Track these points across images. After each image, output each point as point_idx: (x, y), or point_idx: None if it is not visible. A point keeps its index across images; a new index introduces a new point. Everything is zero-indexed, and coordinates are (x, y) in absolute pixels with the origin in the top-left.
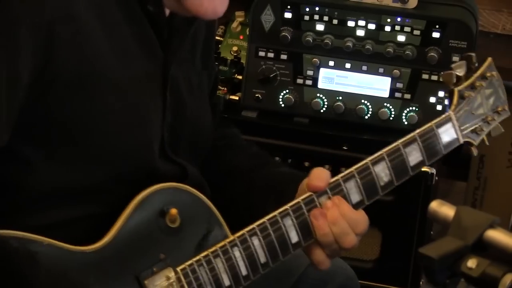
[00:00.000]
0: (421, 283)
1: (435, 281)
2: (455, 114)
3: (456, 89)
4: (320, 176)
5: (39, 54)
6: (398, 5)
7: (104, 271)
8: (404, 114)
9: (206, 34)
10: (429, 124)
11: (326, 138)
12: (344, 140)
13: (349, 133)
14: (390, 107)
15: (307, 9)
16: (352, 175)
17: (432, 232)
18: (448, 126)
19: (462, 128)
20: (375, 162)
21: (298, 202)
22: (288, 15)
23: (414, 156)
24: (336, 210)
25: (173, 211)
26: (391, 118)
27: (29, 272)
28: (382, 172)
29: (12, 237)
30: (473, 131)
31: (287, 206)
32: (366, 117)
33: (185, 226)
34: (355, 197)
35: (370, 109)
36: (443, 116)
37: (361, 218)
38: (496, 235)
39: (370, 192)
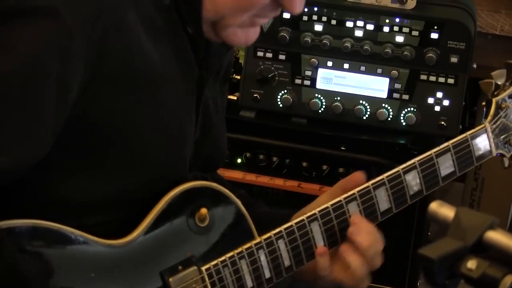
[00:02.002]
0: (418, 283)
1: (435, 282)
2: (491, 125)
3: (494, 100)
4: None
5: (89, 67)
6: (396, 5)
7: (130, 265)
8: (402, 114)
9: (228, 60)
10: (464, 135)
11: (324, 139)
12: (342, 140)
13: (347, 133)
14: (388, 107)
15: (306, 10)
16: (383, 183)
17: (429, 233)
18: (483, 137)
19: (496, 140)
20: (407, 171)
21: (327, 207)
22: (286, 15)
23: (446, 166)
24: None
25: (203, 210)
26: (389, 119)
27: (58, 260)
28: (413, 181)
29: (45, 228)
30: (506, 142)
31: (315, 211)
32: (364, 117)
33: (213, 226)
34: (384, 205)
35: (368, 110)
36: (479, 127)
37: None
38: (496, 236)
39: (399, 201)
